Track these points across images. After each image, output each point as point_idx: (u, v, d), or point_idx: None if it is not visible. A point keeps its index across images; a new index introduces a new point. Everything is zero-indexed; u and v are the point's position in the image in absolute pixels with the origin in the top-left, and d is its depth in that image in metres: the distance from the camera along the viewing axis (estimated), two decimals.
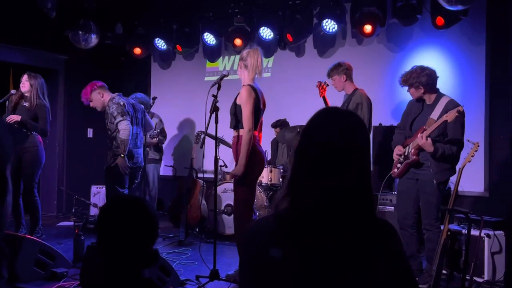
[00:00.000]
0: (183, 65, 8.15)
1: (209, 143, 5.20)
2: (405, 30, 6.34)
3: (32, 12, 6.64)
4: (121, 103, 5.10)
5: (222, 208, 6.02)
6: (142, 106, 5.58)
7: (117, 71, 8.28)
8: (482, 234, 4.30)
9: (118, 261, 1.55)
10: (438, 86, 4.19)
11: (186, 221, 5.90)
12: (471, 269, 4.13)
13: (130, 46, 7.68)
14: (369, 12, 6.01)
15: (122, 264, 1.55)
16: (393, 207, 5.17)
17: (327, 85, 5.04)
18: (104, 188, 6.41)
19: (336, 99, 5.13)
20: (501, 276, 4.26)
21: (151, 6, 7.56)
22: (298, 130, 5.59)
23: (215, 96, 4.20)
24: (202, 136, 5.77)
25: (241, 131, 4.16)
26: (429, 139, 3.94)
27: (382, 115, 6.07)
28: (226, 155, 6.45)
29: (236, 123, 4.21)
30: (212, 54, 7.86)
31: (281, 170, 6.16)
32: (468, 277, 4.10)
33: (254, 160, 4.10)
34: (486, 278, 4.26)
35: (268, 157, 6.77)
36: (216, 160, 4.42)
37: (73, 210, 7.35)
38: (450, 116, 3.83)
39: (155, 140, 6.69)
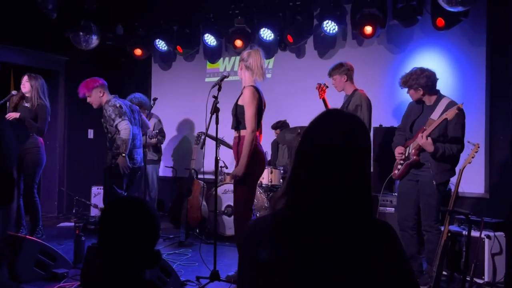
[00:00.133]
0: (183, 66, 8.16)
1: (210, 144, 5.20)
2: (406, 31, 6.34)
3: (33, 13, 6.66)
4: (117, 105, 5.12)
5: (223, 209, 6.02)
6: (137, 107, 5.61)
7: (118, 72, 8.29)
8: (483, 235, 4.30)
9: (119, 262, 1.56)
10: (438, 87, 4.20)
11: (187, 222, 5.91)
12: (471, 270, 4.13)
13: (131, 47, 7.70)
14: (369, 13, 6.02)
15: (123, 265, 1.56)
16: (393, 209, 5.17)
17: (327, 86, 5.04)
18: None
19: (335, 101, 5.13)
20: (502, 277, 4.27)
21: (152, 7, 7.57)
22: (299, 131, 5.60)
23: (215, 97, 4.21)
24: (203, 137, 5.79)
25: (242, 132, 4.17)
26: (429, 138, 3.94)
27: (383, 116, 6.08)
28: (227, 156, 6.45)
29: (237, 124, 4.21)
30: (213, 55, 7.87)
31: (282, 171, 6.17)
32: (468, 278, 4.10)
33: (255, 161, 4.10)
34: (486, 279, 4.26)
35: (268, 158, 6.77)
36: (217, 161, 4.43)
37: (74, 211, 7.35)
38: (450, 114, 3.83)
39: (154, 140, 6.69)
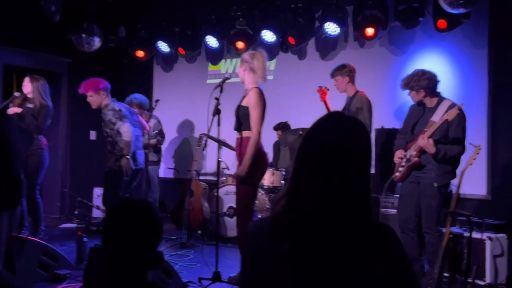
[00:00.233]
0: (185, 67, 8.18)
1: (212, 145, 5.21)
2: (407, 33, 6.34)
3: (36, 15, 6.67)
4: (116, 108, 5.17)
5: (224, 210, 6.03)
6: (135, 110, 5.67)
7: (120, 73, 8.31)
8: (484, 237, 4.30)
9: (122, 264, 1.57)
10: (440, 89, 4.20)
11: (189, 223, 5.92)
12: (473, 272, 4.14)
13: (133, 49, 7.71)
14: (371, 15, 6.02)
15: (126, 266, 1.57)
16: (395, 210, 5.17)
17: (328, 89, 5.05)
18: None
19: (337, 103, 5.14)
20: (503, 279, 4.27)
21: (154, 9, 7.59)
22: (300, 132, 5.60)
23: (217, 99, 4.22)
24: (205, 138, 5.80)
25: (245, 133, 4.19)
26: (430, 140, 3.94)
27: (384, 118, 6.07)
28: (228, 157, 6.46)
29: (239, 125, 4.23)
30: (214, 57, 7.89)
31: (283, 173, 6.17)
32: (470, 280, 4.10)
33: (258, 162, 4.12)
34: (488, 281, 4.25)
35: (270, 159, 6.78)
36: (219, 162, 4.44)
37: (76, 212, 7.36)
38: (451, 114, 3.83)
39: (153, 141, 6.70)
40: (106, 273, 1.54)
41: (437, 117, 4.00)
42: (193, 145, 7.62)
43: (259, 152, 4.14)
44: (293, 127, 6.54)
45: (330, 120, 1.40)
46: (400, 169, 4.25)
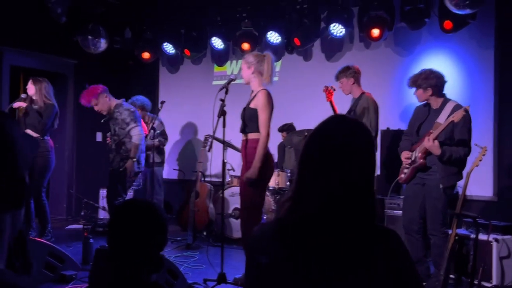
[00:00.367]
0: (191, 69, 8.19)
1: (217, 147, 5.21)
2: (413, 34, 6.33)
3: (42, 17, 6.72)
4: (131, 110, 5.26)
5: (230, 211, 6.03)
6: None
7: (126, 75, 8.34)
8: (491, 239, 4.28)
9: (126, 264, 1.57)
10: (446, 90, 4.19)
11: (194, 224, 5.92)
12: (479, 274, 4.11)
13: (139, 51, 7.74)
14: (376, 16, 6.01)
15: (130, 266, 1.57)
16: (401, 212, 5.15)
17: (334, 89, 5.04)
18: None
19: (343, 104, 5.13)
20: (510, 281, 4.24)
21: (159, 11, 7.61)
22: (306, 134, 5.60)
23: (222, 100, 4.23)
24: (210, 140, 5.81)
25: (250, 135, 4.19)
26: (436, 141, 3.92)
27: (390, 119, 6.06)
28: (234, 159, 6.47)
29: (245, 127, 4.23)
30: (220, 58, 7.90)
31: (288, 174, 6.17)
32: (476, 282, 4.08)
33: (266, 164, 4.14)
34: (494, 283, 4.23)
35: (275, 161, 6.78)
36: (224, 164, 4.44)
37: (82, 213, 7.39)
38: (457, 116, 3.82)
39: (155, 142, 6.72)
40: (110, 274, 1.54)
41: (443, 119, 3.99)
42: (198, 146, 7.63)
43: (267, 155, 4.16)
44: (298, 128, 6.54)
45: (332, 122, 1.43)
46: (405, 170, 4.24)
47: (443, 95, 4.15)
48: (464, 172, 4.00)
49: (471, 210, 5.52)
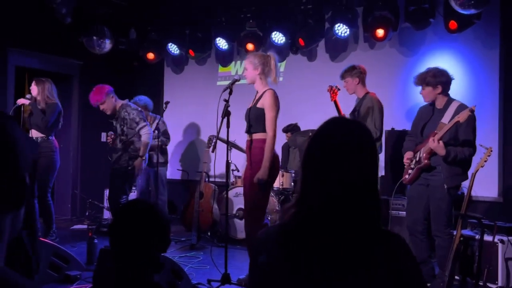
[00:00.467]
0: (195, 69, 8.20)
1: (221, 147, 5.22)
2: (418, 34, 6.31)
3: (47, 18, 6.74)
4: (139, 109, 5.35)
5: (234, 212, 6.04)
6: None
7: (131, 76, 8.36)
8: (496, 240, 4.26)
9: (128, 265, 1.57)
10: (451, 90, 4.17)
11: (198, 225, 5.93)
12: (484, 275, 4.10)
13: (144, 51, 7.76)
14: (381, 16, 6.00)
15: (132, 267, 1.57)
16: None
17: (339, 89, 5.03)
18: None
19: (347, 103, 5.12)
20: None
21: (164, 12, 7.63)
22: (310, 134, 5.58)
23: (226, 101, 4.23)
24: (214, 140, 5.82)
25: (255, 135, 4.19)
26: (441, 142, 3.91)
27: (395, 120, 6.04)
28: (238, 159, 6.47)
29: (249, 127, 4.23)
30: (224, 58, 7.90)
31: (293, 175, 6.16)
32: (481, 283, 4.06)
33: (272, 165, 4.13)
34: (500, 284, 4.21)
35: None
36: (228, 164, 4.44)
37: (87, 214, 7.42)
38: (463, 116, 3.80)
39: (157, 142, 6.73)
40: (113, 274, 1.55)
41: (447, 119, 3.97)
42: (203, 146, 7.63)
43: (274, 155, 4.16)
44: (302, 129, 6.53)
45: (332, 122, 1.43)
46: (410, 171, 4.23)
47: (448, 95, 4.14)
48: (469, 173, 3.98)
49: (476, 211, 5.50)
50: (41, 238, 4.55)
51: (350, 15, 6.34)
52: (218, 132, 4.32)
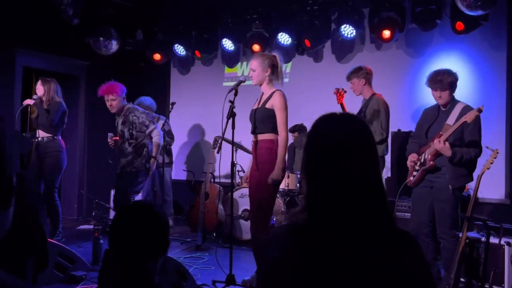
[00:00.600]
0: (202, 70, 8.22)
1: (227, 148, 5.22)
2: (425, 36, 6.28)
3: (54, 19, 6.77)
4: (146, 112, 5.48)
5: (239, 213, 6.04)
6: None
7: (137, 76, 8.38)
8: (502, 242, 4.23)
9: (130, 266, 1.58)
10: (458, 91, 4.14)
11: (204, 225, 5.94)
12: (490, 278, 4.07)
13: (150, 52, 7.79)
14: (387, 17, 5.98)
15: (132, 269, 1.58)
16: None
17: (345, 91, 5.02)
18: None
19: (353, 106, 5.11)
20: None
21: (171, 13, 7.65)
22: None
23: (232, 102, 4.23)
24: (220, 141, 5.84)
25: (260, 136, 4.19)
26: (447, 143, 3.88)
27: (401, 121, 6.02)
28: (243, 160, 6.47)
29: (255, 128, 4.23)
30: (231, 59, 7.91)
31: (298, 176, 6.16)
32: (487, 286, 4.04)
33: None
34: (506, 287, 4.17)
35: None
36: (233, 164, 4.45)
37: (93, 214, 7.44)
38: (470, 116, 3.76)
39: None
40: (116, 275, 1.55)
41: (452, 120, 3.94)
42: (208, 147, 7.64)
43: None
44: (309, 129, 6.51)
45: (326, 120, 1.44)
46: (414, 173, 4.20)
47: (453, 96, 4.11)
48: (475, 175, 3.96)
49: (482, 213, 5.47)
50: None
51: (357, 16, 6.33)
52: (223, 133, 4.32)
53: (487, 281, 4.03)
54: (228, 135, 4.38)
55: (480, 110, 3.76)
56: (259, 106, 4.24)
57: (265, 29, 6.88)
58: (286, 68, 7.38)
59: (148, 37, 7.84)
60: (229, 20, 7.24)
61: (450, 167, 3.95)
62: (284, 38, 6.79)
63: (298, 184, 6.11)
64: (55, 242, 4.56)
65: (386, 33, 6.03)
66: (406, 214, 5.23)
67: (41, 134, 5.66)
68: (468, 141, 3.92)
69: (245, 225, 5.94)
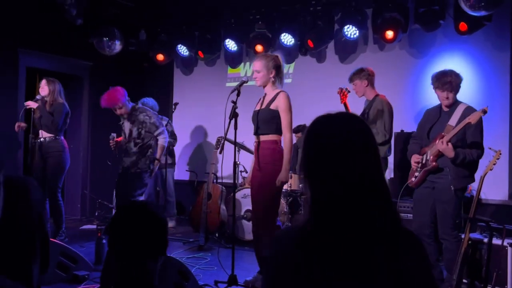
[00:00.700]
0: (204, 71, 8.23)
1: (229, 148, 5.23)
2: (428, 36, 6.27)
3: (58, 19, 6.79)
4: (156, 113, 5.55)
5: (242, 213, 6.04)
6: None
7: (141, 77, 8.40)
8: (505, 243, 4.21)
9: (128, 266, 1.58)
10: (461, 92, 4.13)
11: (206, 226, 5.94)
12: (493, 279, 4.06)
13: (153, 53, 7.80)
14: (390, 18, 5.97)
15: (133, 269, 1.58)
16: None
17: (348, 91, 5.02)
18: None
19: (357, 105, 5.11)
20: None
21: (174, 13, 7.66)
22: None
23: (234, 102, 4.23)
24: (222, 141, 5.85)
25: (262, 137, 4.20)
26: (450, 144, 3.87)
27: (404, 122, 6.01)
28: (246, 160, 6.47)
29: (257, 129, 4.23)
30: (234, 60, 7.92)
31: (301, 176, 6.15)
32: (489, 287, 4.03)
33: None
34: None
35: None
36: (235, 165, 4.45)
37: (96, 214, 7.46)
38: (474, 117, 3.75)
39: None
40: (116, 275, 1.56)
41: (454, 121, 3.93)
42: (211, 148, 7.65)
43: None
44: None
45: (325, 119, 1.43)
46: (416, 174, 4.19)
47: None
48: (478, 176, 3.95)
49: (485, 214, 5.46)
50: (50, 238, 4.58)
51: (360, 17, 6.33)
52: (226, 134, 4.32)
53: (489, 282, 4.02)
54: (230, 136, 4.38)
55: (484, 111, 3.75)
56: (262, 107, 4.23)
57: (268, 29, 6.88)
58: (289, 68, 7.38)
59: (151, 38, 7.86)
60: (232, 20, 7.25)
61: (452, 168, 3.94)
62: (287, 39, 6.79)
63: (300, 185, 6.10)
64: (58, 241, 4.57)
65: (389, 34, 6.02)
66: (408, 215, 5.22)
67: (43, 134, 5.68)
68: (470, 142, 3.91)
69: (248, 225, 5.94)
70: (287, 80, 7.11)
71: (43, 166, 5.63)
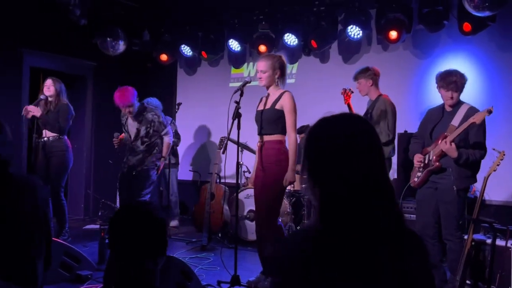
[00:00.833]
0: (208, 71, 8.23)
1: (233, 149, 5.23)
2: (432, 37, 6.25)
3: (62, 19, 6.80)
4: (161, 113, 5.60)
5: (245, 213, 6.04)
6: None
7: (144, 77, 8.40)
8: (509, 244, 4.20)
9: (128, 266, 1.58)
10: (465, 93, 4.12)
11: (209, 226, 5.95)
12: (496, 280, 4.04)
13: (157, 53, 7.81)
14: (394, 18, 5.96)
15: (132, 269, 1.58)
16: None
17: (352, 92, 5.01)
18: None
19: (361, 106, 5.10)
20: None
21: (177, 14, 7.66)
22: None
23: (237, 103, 4.23)
24: (225, 141, 5.85)
25: (267, 137, 4.20)
26: (453, 144, 3.86)
27: (408, 122, 5.98)
28: (250, 161, 6.46)
29: (261, 129, 4.23)
30: (237, 60, 7.92)
31: (304, 177, 6.14)
32: None
33: (286, 168, 4.14)
34: None
35: None
36: (238, 165, 4.45)
37: (100, 214, 7.47)
38: (478, 118, 3.74)
39: None
40: (117, 275, 1.56)
41: (457, 121, 3.92)
42: (214, 148, 7.66)
43: (287, 157, 4.17)
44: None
45: (328, 120, 1.42)
46: (419, 174, 4.18)
47: None
48: (480, 176, 3.94)
49: (489, 214, 5.43)
50: (53, 238, 4.59)
51: (363, 17, 6.32)
52: (229, 134, 4.32)
53: (493, 283, 4.01)
54: (233, 136, 4.38)
55: (490, 111, 3.73)
56: (267, 107, 4.22)
57: (272, 29, 6.88)
58: (293, 69, 7.38)
59: (154, 38, 7.87)
60: (235, 20, 7.25)
61: (455, 168, 3.93)
62: (290, 39, 6.78)
63: (303, 185, 6.10)
64: (61, 241, 4.58)
65: (393, 34, 6.00)
66: (411, 215, 5.20)
67: (47, 134, 5.69)
68: (473, 142, 3.90)
69: (251, 225, 5.94)
70: (290, 81, 7.14)
71: (46, 166, 5.64)
